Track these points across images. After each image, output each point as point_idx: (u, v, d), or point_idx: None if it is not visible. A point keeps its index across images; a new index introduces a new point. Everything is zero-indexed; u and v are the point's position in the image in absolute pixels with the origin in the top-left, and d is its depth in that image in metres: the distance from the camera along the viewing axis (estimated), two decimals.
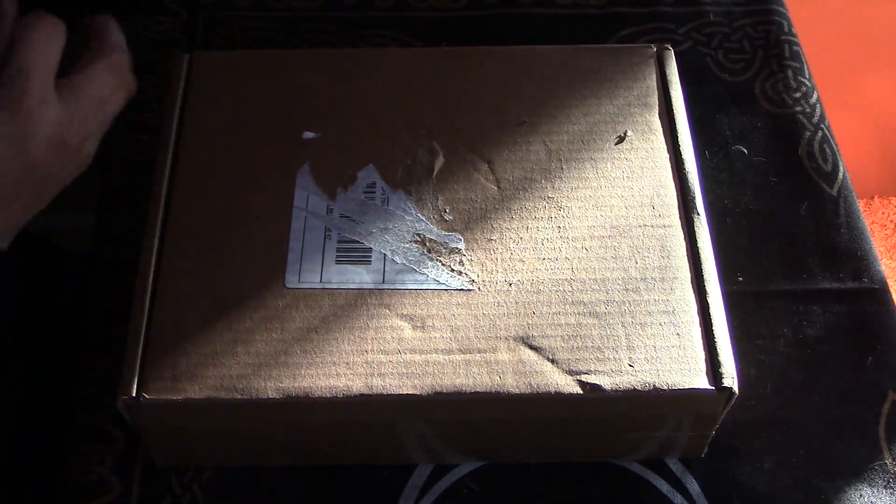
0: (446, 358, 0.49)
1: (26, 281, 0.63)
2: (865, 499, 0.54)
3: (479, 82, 0.59)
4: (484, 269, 0.52)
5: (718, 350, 0.49)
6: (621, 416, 0.51)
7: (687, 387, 0.48)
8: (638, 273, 0.52)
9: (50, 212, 0.61)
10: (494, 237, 0.53)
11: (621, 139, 0.57)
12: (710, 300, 0.51)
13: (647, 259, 0.52)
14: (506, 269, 0.52)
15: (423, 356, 0.49)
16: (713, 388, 0.48)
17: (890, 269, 1.36)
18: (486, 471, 0.55)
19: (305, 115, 0.57)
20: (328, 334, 0.50)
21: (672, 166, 0.56)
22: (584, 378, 0.49)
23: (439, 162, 0.56)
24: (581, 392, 0.48)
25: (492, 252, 0.53)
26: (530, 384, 0.48)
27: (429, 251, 0.53)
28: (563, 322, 0.50)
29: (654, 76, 0.59)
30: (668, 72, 0.59)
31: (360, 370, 0.49)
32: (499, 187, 0.55)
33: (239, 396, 0.48)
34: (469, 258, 0.52)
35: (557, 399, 0.48)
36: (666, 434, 0.53)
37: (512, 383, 0.48)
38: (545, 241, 0.53)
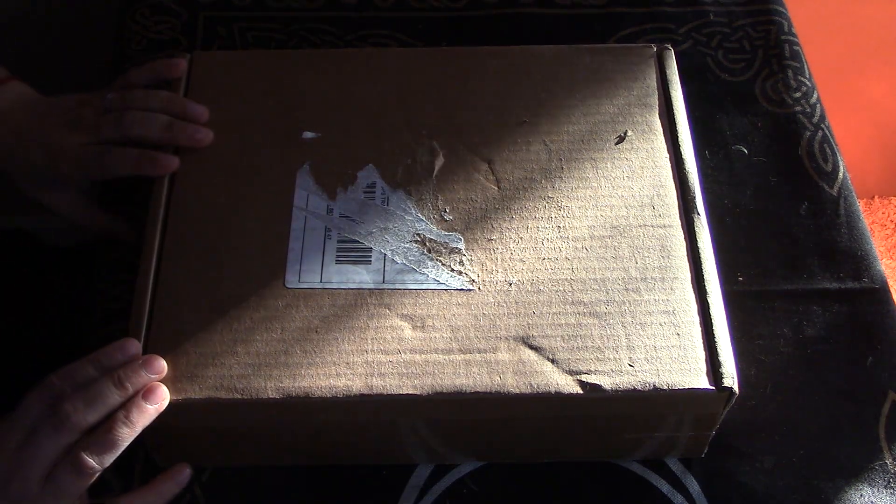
0: (446, 358, 0.49)
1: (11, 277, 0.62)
2: (865, 499, 0.54)
3: (479, 82, 0.59)
4: (484, 269, 0.52)
5: (718, 350, 0.49)
6: (621, 416, 0.51)
7: (687, 387, 0.48)
8: (638, 273, 0.52)
9: (48, 212, 0.61)
10: (494, 237, 0.53)
11: (621, 139, 0.57)
12: (710, 300, 0.51)
13: (647, 259, 0.52)
14: (506, 269, 0.52)
15: (423, 356, 0.49)
16: (713, 387, 0.48)
17: (890, 269, 1.36)
18: (486, 471, 0.55)
19: (305, 115, 0.57)
20: (328, 334, 0.50)
21: (672, 166, 0.56)
22: (584, 378, 0.48)
23: (439, 162, 0.56)
24: (581, 392, 0.48)
25: (492, 252, 0.53)
26: (530, 384, 0.48)
27: (429, 251, 0.53)
28: (563, 322, 0.50)
29: (654, 76, 0.59)
30: (668, 72, 0.59)
31: (360, 370, 0.49)
32: (499, 187, 0.55)
33: (239, 396, 0.48)
34: (469, 258, 0.52)
35: (557, 399, 0.48)
36: (666, 434, 0.53)
37: (512, 383, 0.48)
38: (545, 241, 0.53)
